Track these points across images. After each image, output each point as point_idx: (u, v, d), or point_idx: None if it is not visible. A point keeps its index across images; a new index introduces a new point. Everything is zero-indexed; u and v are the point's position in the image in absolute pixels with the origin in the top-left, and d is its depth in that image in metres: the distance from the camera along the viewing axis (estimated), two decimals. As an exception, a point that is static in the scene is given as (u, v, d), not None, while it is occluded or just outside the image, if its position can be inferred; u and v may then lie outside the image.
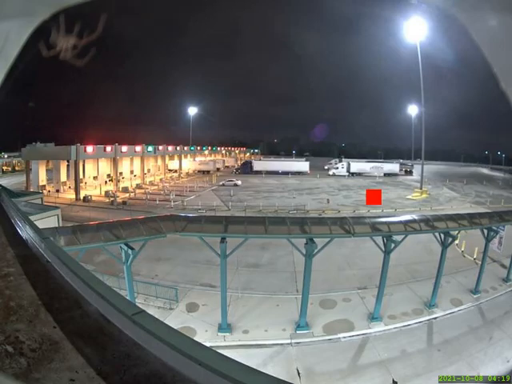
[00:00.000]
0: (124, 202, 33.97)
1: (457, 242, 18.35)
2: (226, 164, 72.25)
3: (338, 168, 61.07)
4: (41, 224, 7.68)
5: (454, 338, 12.57)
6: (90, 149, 41.21)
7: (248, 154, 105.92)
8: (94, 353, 1.57)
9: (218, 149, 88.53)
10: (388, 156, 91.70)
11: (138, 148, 50.03)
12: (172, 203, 33.33)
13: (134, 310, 1.67)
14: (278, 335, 12.72)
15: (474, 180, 57.59)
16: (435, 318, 14.22)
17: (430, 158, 64.66)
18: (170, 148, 59.55)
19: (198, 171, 60.79)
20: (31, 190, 35.57)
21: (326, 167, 64.27)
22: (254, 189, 44.16)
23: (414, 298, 15.45)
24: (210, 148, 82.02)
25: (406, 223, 14.20)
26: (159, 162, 59.31)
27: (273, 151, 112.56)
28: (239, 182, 47.69)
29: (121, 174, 48.49)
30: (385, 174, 59.38)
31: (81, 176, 42.30)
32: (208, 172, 59.39)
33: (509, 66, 2.78)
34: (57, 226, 14.79)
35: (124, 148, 47.09)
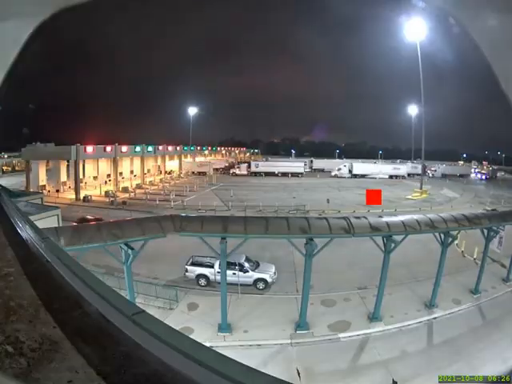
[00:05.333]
0: (124, 202, 33.98)
1: (457, 241, 18.36)
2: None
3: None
4: (41, 224, 7.67)
5: (454, 338, 12.57)
6: (89, 149, 41.24)
7: (248, 154, 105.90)
8: (93, 353, 1.57)
9: (218, 149, 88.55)
10: (388, 156, 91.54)
11: (138, 148, 50.05)
12: (172, 203, 33.33)
13: (134, 310, 1.67)
14: (277, 335, 12.72)
15: (474, 180, 57.64)
16: (435, 318, 14.23)
17: (430, 157, 64.55)
18: (170, 148, 59.57)
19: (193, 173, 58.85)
20: (31, 190, 35.56)
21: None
22: (252, 187, 44.22)
23: (414, 298, 15.46)
24: (209, 148, 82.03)
25: (405, 223, 14.19)
26: (159, 161, 59.28)
27: (273, 151, 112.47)
28: None
29: (121, 174, 48.50)
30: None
31: (81, 176, 42.31)
32: (204, 173, 57.74)
33: (509, 66, 2.78)
34: (57, 226, 14.78)
35: (124, 148, 47.11)
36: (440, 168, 63.53)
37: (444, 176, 60.14)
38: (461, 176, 61.54)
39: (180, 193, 39.00)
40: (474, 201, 38.89)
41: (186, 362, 1.33)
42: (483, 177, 63.70)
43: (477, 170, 68.71)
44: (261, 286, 16.25)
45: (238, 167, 62.13)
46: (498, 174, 67.75)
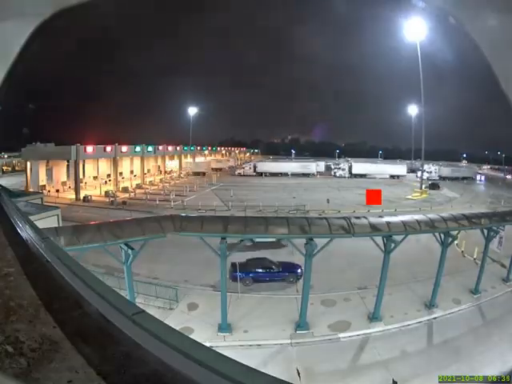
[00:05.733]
0: (124, 202, 33.99)
1: (457, 241, 18.35)
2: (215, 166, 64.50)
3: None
4: (41, 224, 7.66)
5: (454, 338, 12.57)
6: (89, 149, 41.27)
7: (248, 154, 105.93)
8: (93, 353, 1.57)
9: (218, 149, 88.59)
10: (388, 156, 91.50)
11: (138, 148, 50.08)
12: (172, 203, 33.33)
13: (134, 310, 1.66)
14: (277, 335, 12.72)
15: (473, 180, 57.63)
16: (435, 318, 14.22)
17: (430, 157, 64.29)
18: (170, 148, 59.57)
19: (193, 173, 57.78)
20: (31, 190, 35.55)
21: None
22: (252, 187, 44.21)
23: (414, 298, 15.45)
24: (209, 148, 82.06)
25: (405, 223, 14.19)
26: (159, 161, 59.28)
27: (273, 151, 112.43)
28: None
29: (121, 174, 48.53)
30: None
31: (81, 176, 42.31)
32: (204, 174, 57.32)
33: (509, 66, 2.78)
34: (57, 226, 14.77)
35: (124, 148, 47.16)
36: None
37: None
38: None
39: (180, 193, 39.00)
40: (474, 201, 38.90)
41: (185, 362, 1.33)
42: (482, 178, 62.86)
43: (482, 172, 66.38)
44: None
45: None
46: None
